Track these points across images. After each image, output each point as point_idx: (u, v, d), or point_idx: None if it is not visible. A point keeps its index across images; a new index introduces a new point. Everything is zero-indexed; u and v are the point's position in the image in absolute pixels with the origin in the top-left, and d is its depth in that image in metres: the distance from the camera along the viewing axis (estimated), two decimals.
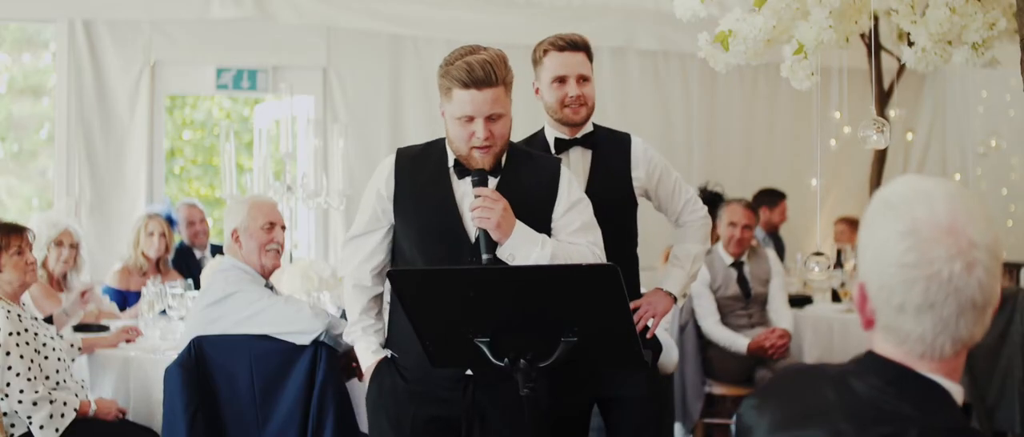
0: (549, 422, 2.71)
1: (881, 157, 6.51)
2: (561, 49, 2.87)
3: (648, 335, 2.94)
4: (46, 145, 8.29)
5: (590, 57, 2.92)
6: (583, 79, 2.88)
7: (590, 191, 2.81)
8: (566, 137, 2.92)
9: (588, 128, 2.95)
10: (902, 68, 6.13)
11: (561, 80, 2.87)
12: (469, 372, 2.51)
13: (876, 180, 6.55)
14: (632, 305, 2.91)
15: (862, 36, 4.57)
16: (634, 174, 2.94)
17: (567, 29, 7.50)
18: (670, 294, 2.97)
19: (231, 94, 7.64)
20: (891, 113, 6.63)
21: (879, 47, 6.08)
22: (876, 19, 5.61)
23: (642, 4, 6.77)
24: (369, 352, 2.68)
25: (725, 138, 7.42)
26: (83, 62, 6.11)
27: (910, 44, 3.14)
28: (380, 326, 2.73)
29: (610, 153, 2.94)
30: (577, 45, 2.88)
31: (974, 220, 1.24)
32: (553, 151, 2.91)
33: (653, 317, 2.92)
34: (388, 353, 2.67)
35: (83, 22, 6.11)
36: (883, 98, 6.33)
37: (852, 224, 7.11)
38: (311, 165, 5.15)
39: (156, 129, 6.36)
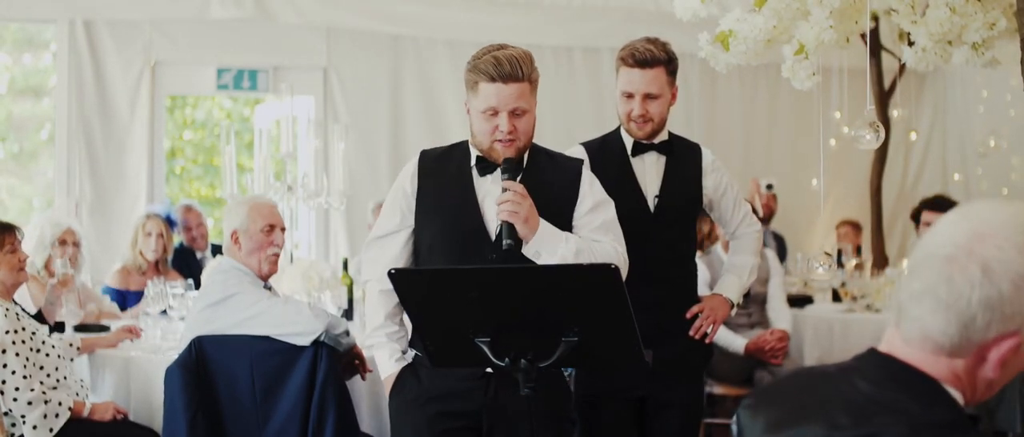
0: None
1: (881, 157, 6.51)
2: (631, 66, 2.90)
3: (707, 341, 3.01)
4: (47, 145, 8.29)
5: (670, 68, 2.92)
6: (650, 97, 2.90)
7: (662, 195, 2.94)
8: (644, 141, 2.98)
9: (664, 135, 3.01)
10: (902, 68, 6.13)
11: (628, 96, 2.93)
12: (490, 369, 2.50)
13: (876, 180, 6.55)
14: (692, 310, 2.98)
15: (862, 36, 4.57)
16: (704, 182, 3.03)
17: (567, 29, 7.44)
18: (729, 300, 3.05)
19: (231, 94, 7.65)
20: (891, 113, 6.63)
21: (879, 47, 6.09)
22: (876, 19, 5.63)
23: (642, 4, 6.78)
24: (392, 360, 2.63)
25: (725, 138, 7.42)
26: (83, 62, 6.11)
27: (910, 44, 3.14)
28: (403, 333, 2.69)
29: (683, 160, 3.01)
30: (648, 62, 2.88)
31: (1006, 244, 1.24)
32: (630, 153, 2.96)
33: (713, 323, 2.99)
34: (409, 360, 2.64)
35: (83, 22, 6.11)
36: (883, 98, 6.33)
37: (854, 227, 7.12)
38: (311, 165, 5.15)
39: (156, 129, 6.37)
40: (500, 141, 2.48)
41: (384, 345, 2.65)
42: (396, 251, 2.63)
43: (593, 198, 2.61)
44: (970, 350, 1.27)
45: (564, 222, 2.54)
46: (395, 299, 2.63)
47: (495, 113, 2.46)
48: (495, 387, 2.53)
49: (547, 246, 2.44)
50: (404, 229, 2.63)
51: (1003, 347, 1.26)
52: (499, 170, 2.50)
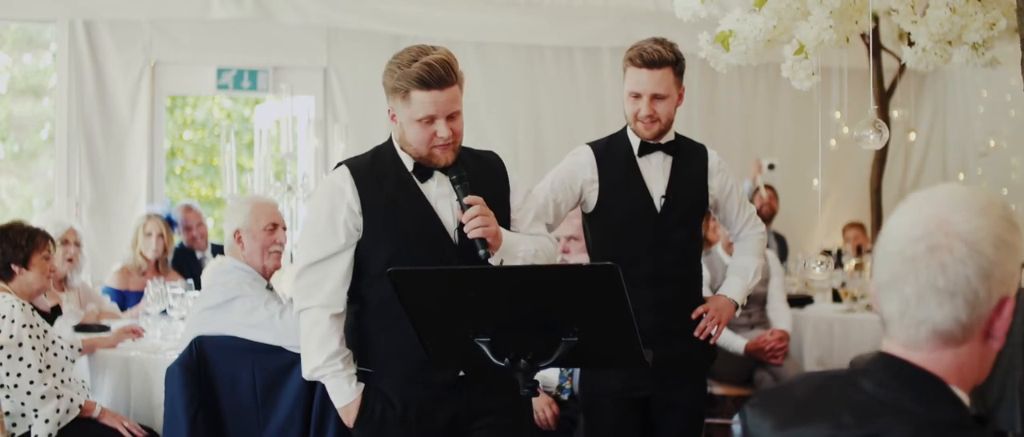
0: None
1: (881, 157, 6.50)
2: (639, 66, 2.90)
3: (711, 341, 3.02)
4: (47, 145, 8.28)
5: (677, 69, 2.93)
6: (657, 97, 2.91)
7: (668, 195, 2.95)
8: (650, 141, 2.98)
9: (670, 136, 3.02)
10: (902, 68, 6.13)
11: (635, 96, 2.94)
12: (461, 373, 2.50)
13: (876, 180, 6.55)
14: (697, 311, 2.99)
15: (862, 36, 4.57)
16: (710, 183, 3.04)
17: (567, 29, 7.41)
18: (733, 301, 3.06)
19: (232, 94, 7.65)
20: (891, 113, 6.63)
21: (879, 47, 6.09)
22: (876, 19, 5.62)
23: (642, 4, 6.77)
24: (352, 385, 2.52)
25: (725, 138, 7.41)
26: (84, 62, 6.11)
27: (910, 44, 3.14)
28: (351, 354, 2.57)
29: (689, 161, 3.03)
30: (656, 63, 2.89)
31: (968, 215, 1.27)
32: (636, 153, 2.97)
33: (718, 324, 3.00)
34: (362, 383, 2.54)
35: (84, 22, 6.11)
36: (883, 98, 6.33)
37: (861, 228, 7.11)
38: (311, 165, 5.15)
39: (156, 129, 6.37)
40: (440, 147, 2.45)
41: (341, 372, 2.52)
42: (345, 270, 2.50)
43: (522, 188, 2.64)
44: (979, 327, 1.29)
45: (503, 216, 2.54)
46: (342, 321, 2.55)
47: (432, 120, 2.43)
48: (467, 393, 2.51)
49: (509, 252, 2.45)
50: (349, 248, 2.51)
51: (1004, 312, 1.29)
52: (450, 182, 2.47)
